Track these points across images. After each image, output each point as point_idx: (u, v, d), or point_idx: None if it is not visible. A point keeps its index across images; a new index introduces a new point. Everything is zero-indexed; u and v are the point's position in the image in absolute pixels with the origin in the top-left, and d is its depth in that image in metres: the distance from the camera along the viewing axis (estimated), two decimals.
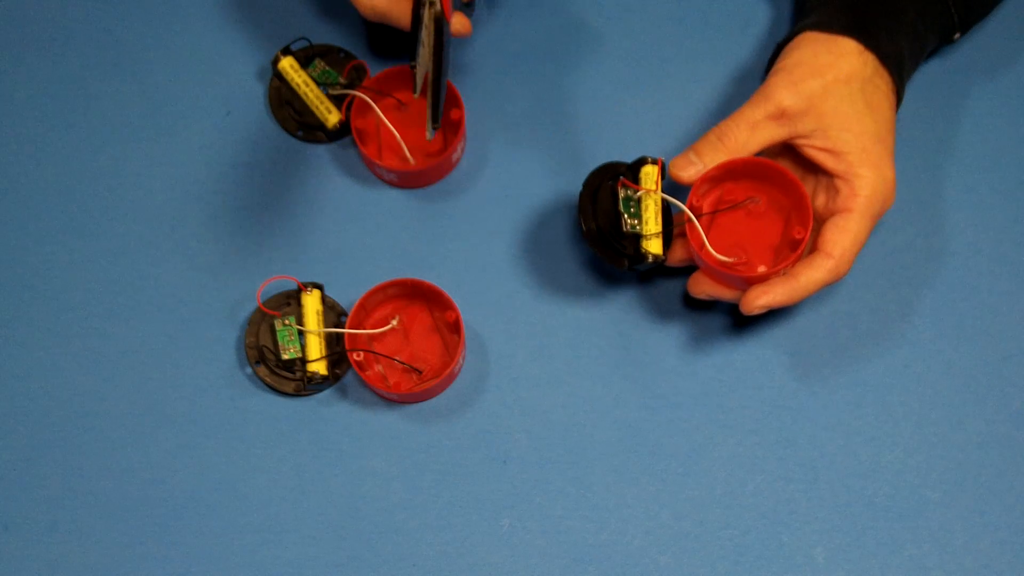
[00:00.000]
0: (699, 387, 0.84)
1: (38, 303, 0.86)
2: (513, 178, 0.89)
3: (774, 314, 0.86)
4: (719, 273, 0.79)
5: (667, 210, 0.81)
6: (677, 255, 0.82)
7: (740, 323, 0.86)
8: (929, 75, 0.90)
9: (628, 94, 0.89)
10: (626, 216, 0.80)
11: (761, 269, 0.79)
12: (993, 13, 0.90)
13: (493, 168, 0.89)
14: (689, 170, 0.79)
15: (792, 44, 0.81)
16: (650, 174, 0.81)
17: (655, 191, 0.80)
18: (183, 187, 0.89)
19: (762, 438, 0.83)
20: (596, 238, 0.81)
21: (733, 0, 0.92)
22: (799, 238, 0.78)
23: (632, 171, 0.81)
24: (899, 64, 0.81)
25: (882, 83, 0.80)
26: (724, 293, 0.80)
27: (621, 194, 0.81)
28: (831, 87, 0.79)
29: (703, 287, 0.81)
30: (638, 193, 0.81)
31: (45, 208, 0.88)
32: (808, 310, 0.86)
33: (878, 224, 0.87)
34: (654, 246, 0.80)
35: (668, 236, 0.81)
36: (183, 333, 0.86)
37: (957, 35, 0.85)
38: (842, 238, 0.78)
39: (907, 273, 0.86)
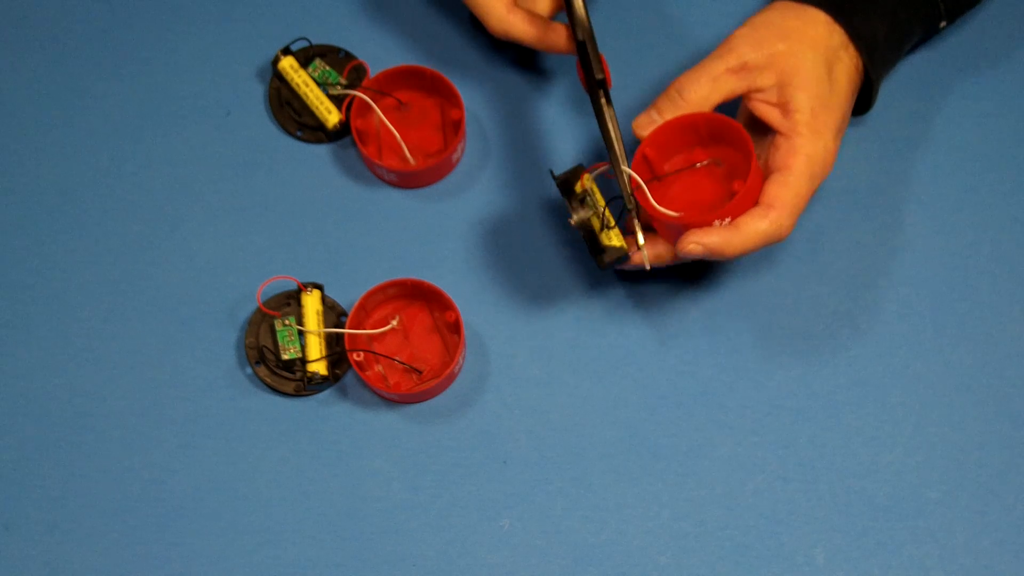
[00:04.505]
0: (699, 387, 0.84)
1: (38, 303, 0.86)
2: (513, 178, 0.89)
3: (774, 312, 0.85)
4: (669, 227, 0.79)
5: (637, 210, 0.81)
6: (657, 250, 0.81)
7: (740, 322, 0.86)
8: (930, 74, 0.90)
9: (628, 93, 0.89)
10: (593, 213, 0.80)
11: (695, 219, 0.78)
12: (982, 5, 0.90)
13: (493, 168, 0.89)
14: (651, 129, 0.80)
15: (762, 9, 0.82)
16: (589, 177, 0.81)
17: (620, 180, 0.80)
18: (183, 187, 0.89)
19: (762, 438, 0.83)
20: (586, 235, 0.81)
21: (733, 0, 0.92)
22: (736, 190, 0.78)
23: (574, 178, 0.81)
24: (871, 45, 0.81)
25: (847, 58, 0.81)
26: (708, 238, 0.79)
27: (579, 191, 0.81)
28: (795, 48, 0.79)
29: (688, 241, 0.79)
30: (587, 188, 0.81)
31: (45, 208, 0.88)
32: (808, 310, 0.86)
33: (879, 223, 0.87)
34: (615, 239, 0.80)
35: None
36: (183, 333, 0.86)
37: (943, 23, 0.85)
38: (782, 192, 0.78)
39: (907, 273, 0.86)
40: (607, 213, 0.80)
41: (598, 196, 0.81)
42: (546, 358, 0.85)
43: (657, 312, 0.86)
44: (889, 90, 0.89)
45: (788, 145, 0.79)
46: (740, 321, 0.86)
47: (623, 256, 0.80)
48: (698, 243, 0.77)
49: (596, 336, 0.86)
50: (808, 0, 0.80)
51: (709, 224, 0.77)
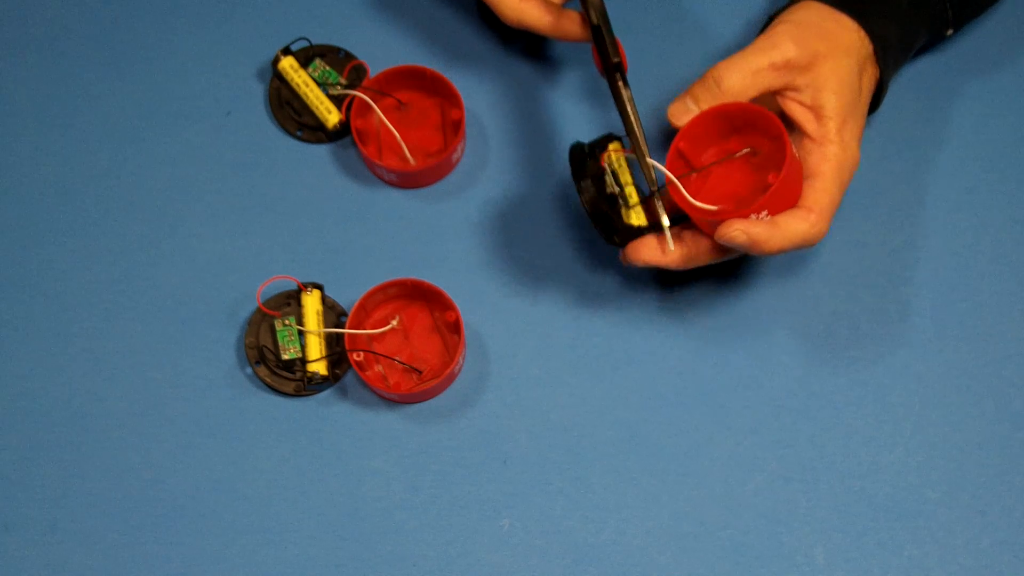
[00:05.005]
0: (699, 387, 0.84)
1: (38, 303, 0.86)
2: (513, 178, 0.89)
3: (774, 312, 0.86)
4: (709, 223, 0.78)
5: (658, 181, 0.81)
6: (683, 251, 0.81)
7: (740, 322, 0.86)
8: (930, 74, 0.90)
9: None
10: (617, 190, 0.80)
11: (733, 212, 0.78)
12: (988, 13, 0.90)
13: (493, 168, 0.89)
14: (687, 118, 0.79)
15: (796, 6, 0.81)
16: (618, 149, 0.81)
17: (646, 160, 0.80)
18: (183, 187, 0.89)
19: (762, 438, 0.83)
20: (598, 215, 0.81)
21: (736, 1, 0.92)
22: (771, 181, 0.77)
23: (600, 147, 0.82)
24: (884, 48, 0.81)
25: (871, 69, 0.81)
26: (659, 259, 0.79)
27: (608, 170, 0.81)
28: (834, 51, 0.79)
29: (639, 255, 0.80)
30: (617, 164, 0.81)
31: (45, 208, 0.88)
32: (808, 310, 0.86)
33: (879, 223, 0.87)
34: (635, 217, 0.80)
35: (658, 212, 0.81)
36: (183, 333, 0.86)
37: (950, 31, 0.85)
38: (820, 198, 0.78)
39: (907, 273, 0.86)
40: (628, 191, 0.80)
41: (625, 173, 0.80)
42: (546, 358, 0.85)
43: (657, 312, 0.86)
44: (891, 91, 0.89)
45: (820, 152, 0.78)
46: (740, 321, 0.86)
47: (643, 234, 0.80)
48: (743, 231, 0.76)
49: (596, 336, 0.86)
50: (837, 4, 0.80)
51: (746, 217, 0.77)
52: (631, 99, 0.81)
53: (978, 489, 0.82)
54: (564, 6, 0.85)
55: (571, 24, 0.83)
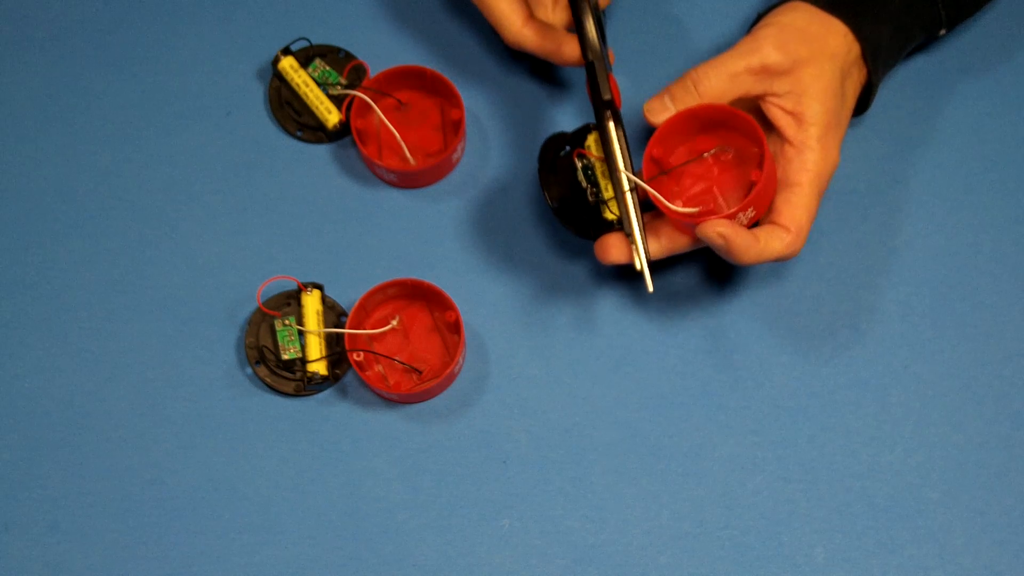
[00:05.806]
0: (699, 387, 0.84)
1: (38, 303, 0.86)
2: (513, 178, 0.89)
3: (773, 312, 0.86)
4: (686, 225, 0.79)
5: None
6: (665, 245, 0.81)
7: (740, 322, 0.86)
8: (930, 74, 0.90)
9: (627, 94, 0.89)
10: (590, 186, 0.80)
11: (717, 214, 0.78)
12: (982, 12, 0.90)
13: (493, 168, 0.89)
14: (663, 115, 0.79)
15: (784, 7, 0.81)
16: (597, 140, 0.81)
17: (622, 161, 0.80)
18: (183, 187, 0.89)
19: (762, 438, 0.83)
20: (565, 212, 0.81)
21: (736, 2, 0.92)
22: (754, 180, 0.77)
23: (578, 139, 0.82)
24: (875, 50, 0.81)
25: (857, 74, 0.81)
26: (625, 255, 0.79)
27: (579, 164, 0.81)
28: (817, 56, 0.78)
29: (609, 256, 0.80)
30: (591, 161, 0.81)
31: (45, 208, 0.88)
32: (807, 310, 0.86)
33: (879, 223, 0.87)
34: (609, 213, 0.80)
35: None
36: (183, 333, 0.86)
37: (943, 31, 0.85)
38: (798, 214, 0.78)
39: (907, 273, 0.86)
40: (603, 184, 0.80)
41: (599, 170, 0.81)
42: (546, 358, 0.85)
43: (657, 312, 0.86)
44: (889, 90, 0.89)
45: (800, 160, 0.78)
46: (740, 321, 0.86)
47: (615, 227, 0.80)
48: (723, 236, 0.76)
49: (596, 336, 0.86)
50: (826, 6, 0.80)
51: (732, 218, 0.77)
52: (622, 139, 0.80)
53: (978, 489, 0.82)
54: (570, 30, 0.85)
55: (571, 51, 0.82)
